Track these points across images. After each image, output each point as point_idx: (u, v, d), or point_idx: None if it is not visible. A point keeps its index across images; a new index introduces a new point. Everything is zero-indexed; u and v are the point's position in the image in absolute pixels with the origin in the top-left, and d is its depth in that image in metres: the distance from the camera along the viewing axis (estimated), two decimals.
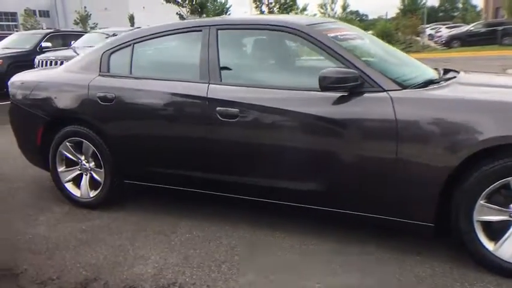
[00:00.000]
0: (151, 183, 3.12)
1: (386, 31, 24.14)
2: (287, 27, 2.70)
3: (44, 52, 10.26)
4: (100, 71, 3.20)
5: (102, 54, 3.22)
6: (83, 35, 11.60)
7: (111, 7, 50.94)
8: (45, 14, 51.88)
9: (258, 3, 16.80)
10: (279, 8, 16.39)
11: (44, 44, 10.63)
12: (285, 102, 2.57)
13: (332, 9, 28.60)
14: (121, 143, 3.09)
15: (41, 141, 3.41)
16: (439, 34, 29.55)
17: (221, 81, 2.79)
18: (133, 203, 3.43)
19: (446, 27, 35.25)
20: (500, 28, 23.65)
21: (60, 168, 3.42)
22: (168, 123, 2.93)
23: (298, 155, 2.57)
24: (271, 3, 16.16)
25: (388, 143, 2.34)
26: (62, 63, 9.08)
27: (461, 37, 24.62)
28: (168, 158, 2.98)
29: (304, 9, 23.05)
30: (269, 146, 2.64)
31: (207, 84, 2.79)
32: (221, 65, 2.81)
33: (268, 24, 2.82)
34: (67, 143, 3.31)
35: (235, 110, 2.66)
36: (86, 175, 3.36)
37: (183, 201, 3.37)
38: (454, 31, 27.03)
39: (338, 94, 2.46)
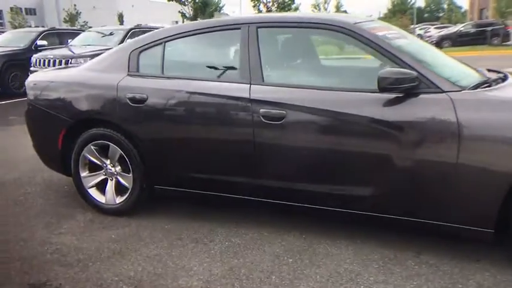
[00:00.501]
0: (184, 189, 2.97)
1: None
2: (335, 25, 2.57)
3: (39, 50, 9.99)
4: (129, 71, 3.03)
5: (131, 53, 3.05)
6: (79, 33, 11.32)
7: (100, 5, 50.26)
8: (31, 11, 50.92)
9: (256, 2, 16.68)
10: (277, 7, 16.28)
11: (39, 42, 10.35)
12: (336, 103, 2.44)
13: (325, 9, 28.57)
14: (153, 147, 2.93)
15: (63, 145, 3.23)
16: (428, 34, 29.80)
17: (263, 81, 2.66)
18: (161, 210, 3.26)
19: (435, 28, 35.63)
20: (489, 29, 23.96)
21: (83, 173, 3.24)
22: (205, 125, 2.78)
23: (349, 159, 2.45)
24: (269, 2, 16.04)
25: (448, 147, 2.23)
26: (61, 62, 8.84)
27: (452, 37, 24.88)
28: (205, 163, 2.83)
29: (296, 9, 22.97)
30: (318, 150, 2.51)
31: (249, 85, 2.65)
32: (263, 65, 2.67)
33: (313, 22, 2.69)
34: (91, 147, 3.14)
35: (281, 112, 2.53)
36: (112, 180, 3.19)
37: (214, 207, 3.23)
38: (444, 31, 27.28)
39: (392, 95, 2.35)
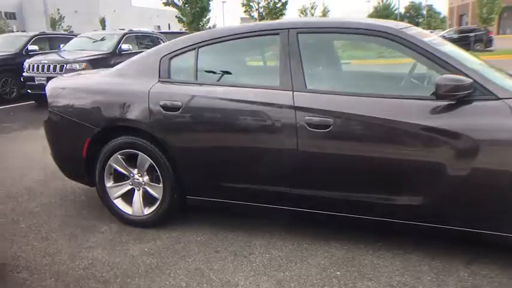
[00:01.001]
0: (220, 199, 2.86)
1: None
2: (381, 31, 2.52)
3: (30, 56, 9.73)
4: (160, 77, 2.92)
5: (161, 59, 2.94)
6: (71, 38, 11.06)
7: (81, 9, 49.54)
8: (11, 16, 49.77)
9: (247, 7, 16.64)
10: (268, 13, 16.29)
11: (30, 47, 10.07)
12: (386, 111, 2.38)
13: (312, 15, 28.76)
14: (187, 156, 2.82)
15: (87, 154, 3.09)
16: None
17: (306, 88, 2.58)
18: (189, 221, 3.15)
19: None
20: (472, 35, 24.48)
21: (109, 184, 3.10)
22: (244, 133, 2.68)
23: (399, 167, 2.39)
24: (261, 7, 16.02)
25: (506, 155, 2.20)
26: (55, 67, 8.61)
27: None
28: (242, 172, 2.74)
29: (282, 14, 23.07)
30: (365, 158, 2.44)
31: (291, 92, 2.57)
32: (305, 71, 2.60)
33: (356, 28, 2.63)
34: (118, 156, 3.01)
35: (328, 120, 2.46)
36: (139, 190, 3.06)
37: (245, 218, 3.13)
38: None
39: (445, 103, 2.31)
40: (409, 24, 2.85)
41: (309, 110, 2.50)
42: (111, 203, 3.12)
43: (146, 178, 3.03)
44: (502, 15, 28.73)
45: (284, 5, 16.34)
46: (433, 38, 2.62)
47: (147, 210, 3.04)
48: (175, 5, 13.40)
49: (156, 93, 2.84)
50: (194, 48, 2.89)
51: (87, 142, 3.06)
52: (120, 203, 3.12)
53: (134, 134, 2.95)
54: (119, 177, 3.10)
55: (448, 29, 28.18)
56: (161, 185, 2.95)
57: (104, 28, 45.85)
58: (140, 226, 3.07)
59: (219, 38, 2.87)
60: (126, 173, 3.06)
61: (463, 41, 24.25)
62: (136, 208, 3.06)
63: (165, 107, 2.80)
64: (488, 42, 24.48)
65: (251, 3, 16.00)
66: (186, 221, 3.13)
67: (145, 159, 2.94)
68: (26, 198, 3.72)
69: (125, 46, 9.97)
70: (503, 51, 20.60)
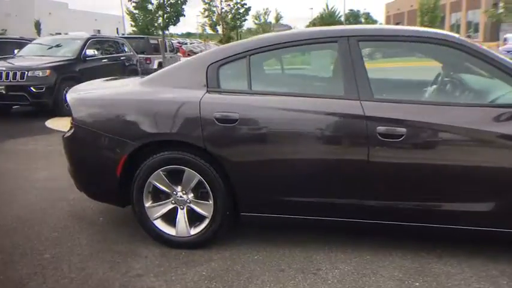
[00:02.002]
0: (280, 214, 2.72)
1: None
2: (446, 39, 2.53)
3: None
4: (208, 87, 2.73)
5: (208, 67, 2.75)
6: (27, 43, 10.25)
7: (15, 12, 46.40)
8: None
9: (208, 12, 16.38)
10: (232, 18, 16.14)
11: None
12: (461, 119, 2.39)
13: (265, 20, 29.08)
14: (245, 171, 2.65)
15: (122, 171, 2.82)
16: None
17: (373, 97, 2.53)
18: (235, 239, 2.96)
19: None
20: None
21: (147, 203, 2.85)
22: (310, 145, 2.57)
23: (475, 175, 2.40)
24: (225, 12, 15.83)
25: None
26: (15, 74, 7.94)
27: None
28: (309, 185, 2.62)
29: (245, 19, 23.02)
30: (441, 167, 2.43)
31: (358, 101, 2.50)
32: (370, 80, 2.54)
33: (418, 36, 2.61)
34: (161, 173, 2.78)
35: (401, 129, 2.42)
36: (182, 209, 2.84)
37: (293, 232, 3.01)
38: None
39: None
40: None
41: (381, 119, 2.45)
42: (150, 224, 2.87)
43: (191, 195, 2.82)
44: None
45: (247, 10, 16.31)
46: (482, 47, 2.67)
47: (194, 230, 2.82)
48: (142, 10, 12.90)
49: (208, 104, 2.65)
50: (245, 56, 2.73)
51: (123, 159, 2.79)
52: (160, 224, 2.87)
53: (181, 149, 2.73)
54: (159, 196, 2.87)
55: None
56: (211, 202, 2.75)
57: (39, 32, 43.28)
58: (185, 248, 2.85)
59: (272, 45, 2.74)
60: (168, 191, 2.82)
61: None
62: (181, 228, 2.84)
63: (220, 119, 2.62)
64: None
65: (213, 8, 15.83)
66: (231, 239, 2.95)
67: (192, 176, 2.73)
68: (38, 223, 3.33)
69: (89, 52, 9.43)
70: None
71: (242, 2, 15.28)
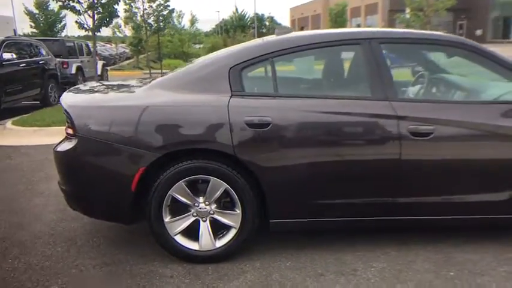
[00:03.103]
0: (311, 218, 2.68)
1: (217, 46, 25.26)
2: (461, 43, 2.71)
3: None
4: (232, 90, 2.59)
5: (230, 70, 2.62)
6: None
7: None
8: None
9: (129, 13, 15.45)
10: (155, 20, 15.47)
11: None
12: (488, 116, 2.58)
13: (179, 23, 28.53)
14: (279, 176, 2.56)
15: (137, 186, 2.57)
16: None
17: (398, 97, 2.61)
18: (256, 246, 2.85)
19: None
20: None
21: (167, 218, 2.63)
22: (342, 146, 2.57)
23: (497, 166, 2.61)
24: (146, 13, 15.09)
25: None
26: None
27: None
28: (343, 186, 2.61)
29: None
30: (468, 161, 2.59)
31: (387, 102, 2.57)
32: (394, 81, 2.62)
33: (439, 40, 2.75)
34: (183, 184, 2.58)
35: (430, 128, 2.53)
36: (205, 221, 2.67)
37: (308, 234, 3.00)
38: None
39: None
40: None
41: (412, 119, 2.54)
42: (171, 240, 2.65)
43: (214, 206, 2.66)
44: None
45: (170, 12, 15.81)
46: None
47: (219, 242, 2.67)
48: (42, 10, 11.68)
49: (236, 108, 2.52)
50: (268, 58, 2.65)
51: (140, 172, 2.54)
52: (181, 239, 2.67)
53: (205, 157, 2.57)
54: (177, 209, 2.66)
55: None
56: (238, 211, 2.62)
57: None
58: (210, 262, 2.68)
59: (296, 47, 2.68)
60: (190, 202, 2.63)
61: None
62: (205, 241, 2.66)
63: (251, 124, 2.51)
64: None
65: (134, 10, 15.06)
66: (251, 247, 2.83)
67: (218, 185, 2.58)
68: (38, 244, 2.90)
69: (6, 55, 8.46)
70: None
71: (165, 4, 14.78)
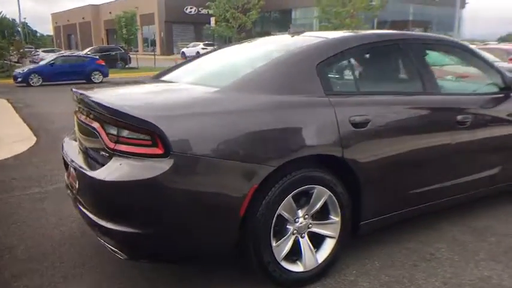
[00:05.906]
0: (401, 210, 2.72)
1: None
2: (459, 43, 3.21)
3: None
4: (324, 89, 2.37)
5: (317, 67, 2.38)
6: None
7: None
8: None
9: None
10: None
11: None
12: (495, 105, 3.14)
13: None
14: (378, 174, 2.48)
15: (247, 209, 2.08)
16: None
17: (440, 92, 2.94)
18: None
19: (43, 51, 34.38)
20: (113, 53, 25.64)
21: (274, 242, 2.21)
22: (424, 136, 2.71)
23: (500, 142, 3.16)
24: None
25: None
26: None
27: None
28: (431, 173, 2.80)
29: None
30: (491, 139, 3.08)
31: (439, 96, 2.88)
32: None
33: (443, 40, 3.18)
34: (291, 198, 2.22)
35: (467, 116, 2.92)
36: (303, 237, 2.36)
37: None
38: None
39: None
40: None
41: (458, 110, 2.87)
42: (278, 268, 2.24)
43: (311, 219, 2.39)
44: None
45: None
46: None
47: (321, 256, 2.41)
48: None
49: (341, 108, 2.33)
50: (344, 54, 2.55)
51: (252, 191, 2.07)
52: (286, 264, 2.30)
53: (313, 165, 2.28)
54: (279, 230, 2.28)
55: (89, 48, 28.14)
56: (338, 218, 2.42)
57: None
58: (314, 281, 2.39)
59: (373, 43, 2.72)
60: (292, 219, 2.29)
61: (105, 58, 25.09)
62: (309, 259, 2.36)
63: (355, 123, 2.36)
64: (128, 60, 26.45)
65: None
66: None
67: (322, 193, 2.33)
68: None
69: None
70: (147, 68, 23.06)
71: None
